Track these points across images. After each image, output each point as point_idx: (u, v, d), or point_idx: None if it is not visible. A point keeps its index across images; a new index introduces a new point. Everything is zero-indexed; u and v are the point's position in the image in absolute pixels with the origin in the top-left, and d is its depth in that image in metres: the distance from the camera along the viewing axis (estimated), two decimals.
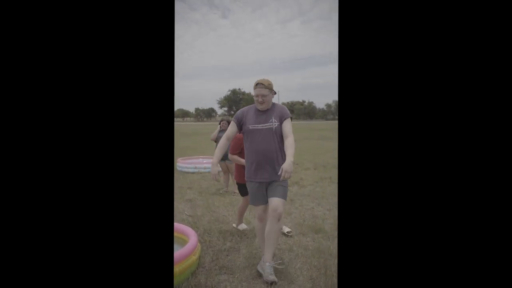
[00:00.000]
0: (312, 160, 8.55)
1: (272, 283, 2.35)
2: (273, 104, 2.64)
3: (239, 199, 4.94)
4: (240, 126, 2.63)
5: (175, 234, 3.09)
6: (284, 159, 2.50)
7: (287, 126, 2.52)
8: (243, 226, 3.57)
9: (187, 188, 5.73)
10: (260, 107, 2.56)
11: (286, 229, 3.41)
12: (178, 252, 2.41)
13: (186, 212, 4.23)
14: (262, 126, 2.54)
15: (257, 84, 2.53)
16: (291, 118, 2.61)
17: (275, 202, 2.45)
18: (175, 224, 3.12)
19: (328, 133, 21.77)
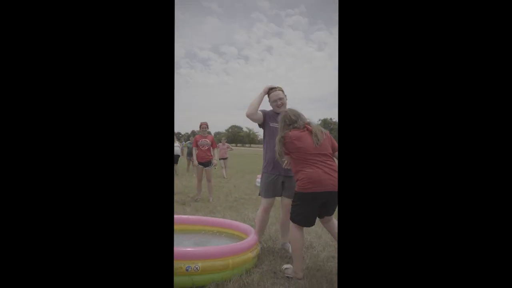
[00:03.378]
0: None
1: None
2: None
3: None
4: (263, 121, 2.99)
5: (234, 232, 3.10)
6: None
7: None
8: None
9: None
10: (278, 110, 2.93)
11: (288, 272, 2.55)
12: (235, 244, 2.44)
13: None
14: (277, 126, 2.72)
15: (273, 89, 2.94)
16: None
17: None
18: (235, 222, 3.23)
19: None
